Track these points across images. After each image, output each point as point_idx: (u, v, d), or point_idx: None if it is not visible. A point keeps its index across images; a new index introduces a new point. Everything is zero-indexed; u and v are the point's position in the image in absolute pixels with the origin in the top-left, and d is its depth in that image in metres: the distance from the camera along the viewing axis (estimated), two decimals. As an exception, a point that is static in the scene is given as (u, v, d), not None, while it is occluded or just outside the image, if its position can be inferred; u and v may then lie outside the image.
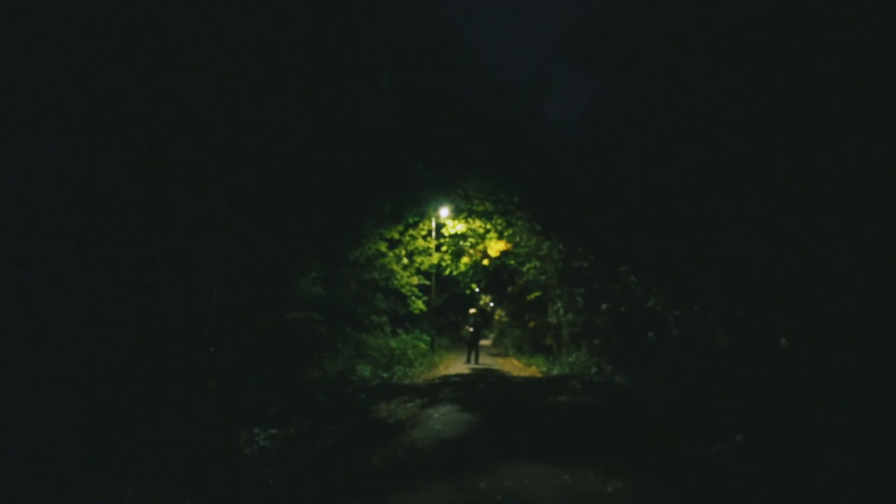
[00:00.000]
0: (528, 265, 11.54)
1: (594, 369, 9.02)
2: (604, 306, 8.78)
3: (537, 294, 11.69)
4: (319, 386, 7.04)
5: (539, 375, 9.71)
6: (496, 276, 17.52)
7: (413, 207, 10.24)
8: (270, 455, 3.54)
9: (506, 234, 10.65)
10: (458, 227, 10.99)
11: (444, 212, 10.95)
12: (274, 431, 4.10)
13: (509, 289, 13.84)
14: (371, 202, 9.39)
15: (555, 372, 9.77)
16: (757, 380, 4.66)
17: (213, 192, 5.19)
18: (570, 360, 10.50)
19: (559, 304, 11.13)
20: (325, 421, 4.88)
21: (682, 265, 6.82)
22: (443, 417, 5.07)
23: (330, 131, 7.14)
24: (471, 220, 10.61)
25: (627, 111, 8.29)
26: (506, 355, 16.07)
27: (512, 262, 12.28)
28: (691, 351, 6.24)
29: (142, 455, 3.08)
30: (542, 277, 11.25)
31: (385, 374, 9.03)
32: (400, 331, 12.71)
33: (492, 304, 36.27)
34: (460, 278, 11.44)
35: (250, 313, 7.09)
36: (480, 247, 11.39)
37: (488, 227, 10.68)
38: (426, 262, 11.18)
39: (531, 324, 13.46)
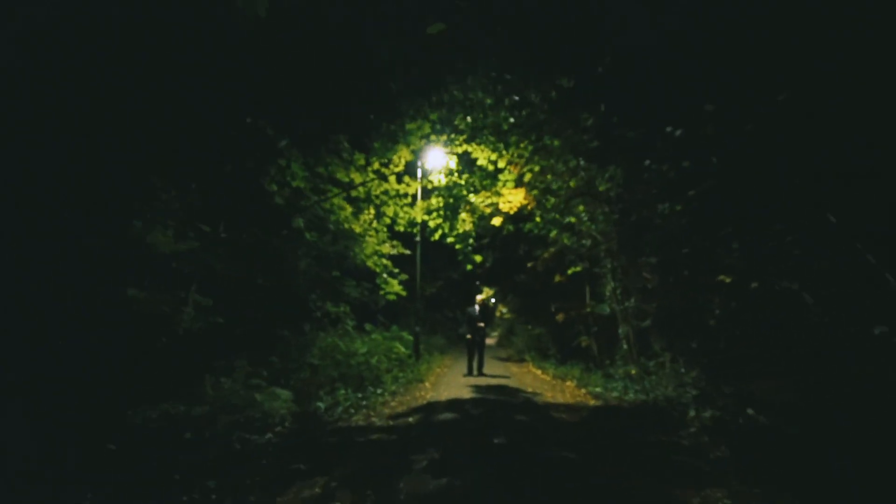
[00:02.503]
0: (554, 230, 7.48)
1: (692, 392, 5.02)
2: (724, 278, 4.73)
3: (577, 269, 7.61)
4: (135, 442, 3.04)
5: (591, 402, 5.66)
6: (500, 261, 13.43)
7: (379, 127, 6.18)
8: None
9: (532, 167, 6.58)
10: (451, 162, 6.91)
11: (438, 160, 6.86)
12: None
13: (529, 264, 9.76)
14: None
15: (628, 396, 5.71)
16: None
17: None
18: (635, 371, 6.47)
19: (612, 284, 7.07)
20: None
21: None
22: None
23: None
24: (474, 148, 6.54)
25: None
26: (520, 360, 12.00)
27: (532, 227, 8.25)
28: None
29: None
30: (586, 242, 7.18)
31: (322, 405, 5.02)
32: (370, 326, 8.67)
33: (493, 300, 32.18)
34: (458, 247, 7.40)
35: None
36: (486, 199, 7.31)
37: (499, 159, 6.60)
38: (403, 217, 7.11)
39: (559, 317, 9.41)
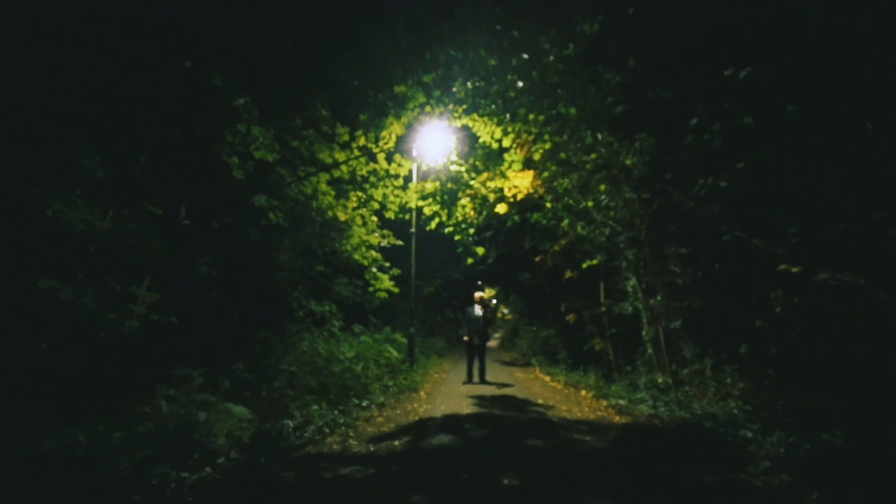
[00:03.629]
0: (566, 219, 6.59)
1: (744, 408, 4.11)
2: (789, 267, 3.81)
3: (593, 262, 6.68)
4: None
5: (617, 419, 4.72)
6: (503, 259, 12.51)
7: (364, 96, 5.27)
8: None
9: (542, 146, 5.67)
10: (451, 154, 6.00)
11: (435, 140, 5.95)
12: None
13: (537, 258, 8.82)
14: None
15: (660, 411, 4.76)
16: None
17: None
18: (661, 380, 5.55)
19: (633, 280, 6.16)
20: None
21: None
22: None
23: None
24: (475, 121, 5.64)
25: None
26: (525, 364, 11.07)
27: (540, 217, 7.34)
28: None
29: None
30: (604, 231, 6.27)
31: (291, 423, 4.10)
32: (359, 328, 7.76)
33: (494, 301, 31.28)
34: (458, 237, 6.48)
35: None
36: (489, 180, 6.39)
37: (504, 137, 5.69)
38: (395, 201, 6.18)
39: (570, 317, 8.49)
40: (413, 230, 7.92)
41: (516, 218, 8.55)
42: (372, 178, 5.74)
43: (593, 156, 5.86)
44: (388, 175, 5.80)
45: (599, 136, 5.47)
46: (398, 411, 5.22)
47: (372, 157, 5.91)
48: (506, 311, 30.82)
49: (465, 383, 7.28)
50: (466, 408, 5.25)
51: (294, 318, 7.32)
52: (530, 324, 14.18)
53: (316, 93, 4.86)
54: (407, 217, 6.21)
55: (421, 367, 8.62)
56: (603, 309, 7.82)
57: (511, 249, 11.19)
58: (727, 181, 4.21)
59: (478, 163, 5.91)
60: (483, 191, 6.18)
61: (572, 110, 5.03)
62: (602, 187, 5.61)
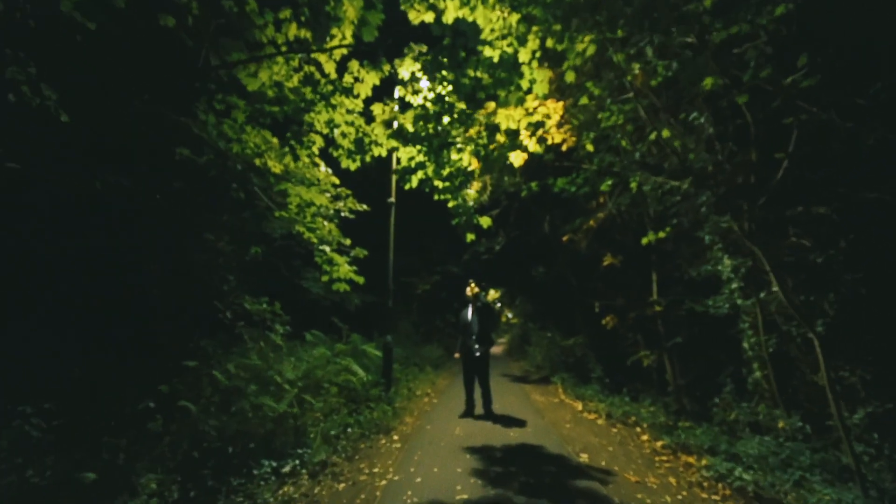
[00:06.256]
0: (608, 180, 4.40)
1: None
2: None
3: (663, 234, 4.33)
4: None
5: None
6: (510, 248, 10.20)
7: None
8: None
9: (579, 54, 3.46)
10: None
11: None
12: None
13: (565, 238, 6.53)
14: None
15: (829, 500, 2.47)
16: None
17: None
18: (783, 425, 3.28)
19: (729, 262, 3.91)
20: None
21: None
22: None
23: None
24: (478, 12, 3.41)
25: None
26: (542, 380, 8.71)
27: (566, 183, 5.14)
28: None
29: None
30: (679, 186, 3.99)
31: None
32: (313, 336, 5.56)
33: (498, 304, 28.93)
34: (451, 204, 4.26)
35: None
36: (503, 111, 4.12)
37: (521, 48, 3.49)
38: (350, 133, 3.83)
39: (607, 321, 6.21)
40: (392, 199, 5.68)
41: (534, 186, 6.31)
42: (308, 94, 3.51)
43: (661, 68, 3.65)
44: (338, 90, 3.56)
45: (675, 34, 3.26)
46: (342, 485, 2.98)
47: (306, 56, 3.68)
48: (511, 314, 28.40)
49: (462, 417, 5.02)
50: (462, 479, 3.00)
51: (221, 322, 5.12)
52: (543, 328, 11.89)
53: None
54: (369, 159, 3.95)
55: (404, 388, 6.37)
56: (657, 308, 5.56)
57: (524, 234, 8.93)
58: None
59: (481, 74, 3.67)
60: (484, 121, 3.94)
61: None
62: (695, 116, 3.35)
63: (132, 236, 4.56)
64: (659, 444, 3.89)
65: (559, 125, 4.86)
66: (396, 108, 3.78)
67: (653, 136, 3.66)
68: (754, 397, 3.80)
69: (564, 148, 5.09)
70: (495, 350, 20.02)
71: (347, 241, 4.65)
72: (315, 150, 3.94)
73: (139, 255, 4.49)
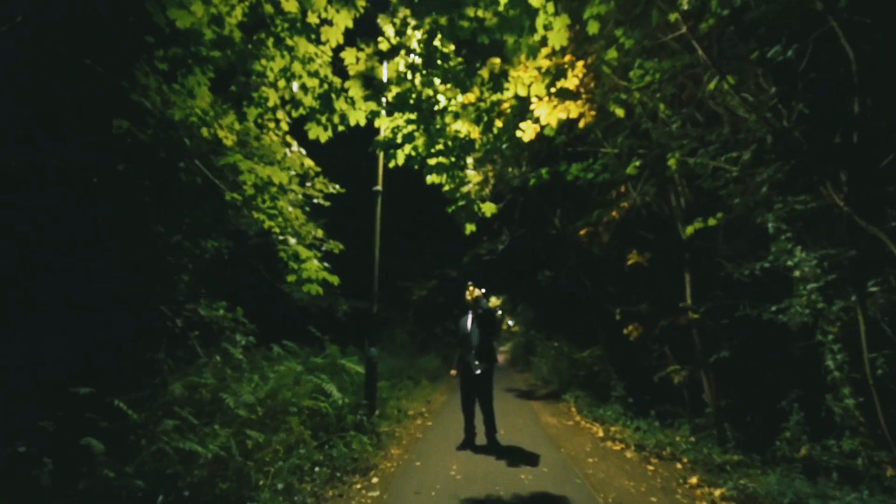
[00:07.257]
0: (636, 162, 3.55)
1: None
2: None
3: (713, 221, 3.45)
4: None
5: None
6: (512, 249, 9.34)
7: None
8: None
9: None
10: None
11: None
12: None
13: (582, 232, 5.63)
14: None
15: None
16: None
17: None
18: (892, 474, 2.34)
19: (801, 256, 3.01)
20: None
21: None
22: None
23: None
24: None
25: None
26: (549, 395, 7.76)
27: (580, 171, 4.33)
28: None
29: None
30: (730, 171, 3.12)
31: None
32: (280, 349, 4.68)
33: (499, 312, 27.94)
34: (446, 188, 3.43)
35: None
36: (518, 72, 3.26)
37: None
38: (313, 86, 2.99)
39: (631, 330, 5.31)
40: (379, 187, 4.83)
41: (544, 173, 5.47)
42: (261, 34, 2.67)
43: (711, 21, 2.83)
44: (297, 27, 2.70)
45: None
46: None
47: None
48: (511, 322, 27.40)
49: (460, 448, 4.10)
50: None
51: (169, 331, 4.24)
52: (548, 337, 10.97)
53: None
54: (343, 129, 3.11)
55: (393, 409, 5.46)
56: (693, 316, 4.67)
57: (530, 233, 8.07)
58: None
59: (483, 13, 2.83)
60: (487, 74, 3.10)
61: None
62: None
63: (64, 227, 3.73)
64: (717, 492, 2.98)
65: (576, 92, 4.00)
66: (373, 52, 2.93)
67: (712, 85, 2.79)
68: (843, 432, 2.90)
69: (582, 124, 4.23)
70: (497, 359, 19.08)
71: (320, 233, 3.78)
72: (268, 109, 3.07)
73: (63, 252, 3.64)
